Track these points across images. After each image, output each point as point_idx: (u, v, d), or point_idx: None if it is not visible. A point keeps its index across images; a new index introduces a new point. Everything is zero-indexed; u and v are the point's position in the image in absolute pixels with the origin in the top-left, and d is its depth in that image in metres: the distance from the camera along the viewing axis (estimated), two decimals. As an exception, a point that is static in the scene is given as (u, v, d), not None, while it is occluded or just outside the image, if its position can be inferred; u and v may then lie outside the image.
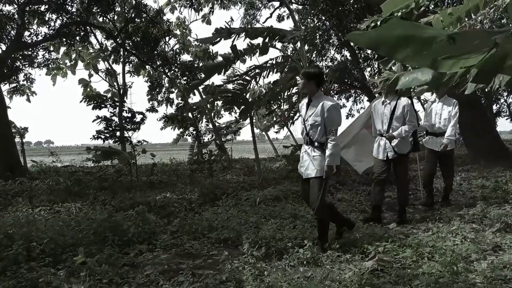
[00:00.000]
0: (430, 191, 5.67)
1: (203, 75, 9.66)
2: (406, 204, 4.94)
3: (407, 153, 4.86)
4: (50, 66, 14.65)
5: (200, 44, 16.66)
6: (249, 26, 16.43)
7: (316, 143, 3.70)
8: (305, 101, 3.87)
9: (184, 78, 15.48)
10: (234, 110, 9.44)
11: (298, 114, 4.11)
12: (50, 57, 13.78)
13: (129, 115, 8.84)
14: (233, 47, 7.57)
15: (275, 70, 8.64)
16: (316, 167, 3.64)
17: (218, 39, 7.30)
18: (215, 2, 16.84)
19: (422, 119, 5.81)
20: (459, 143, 12.54)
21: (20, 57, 12.61)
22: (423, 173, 5.98)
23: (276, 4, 18.48)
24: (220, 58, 8.76)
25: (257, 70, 8.52)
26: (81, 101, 8.88)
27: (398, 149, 4.71)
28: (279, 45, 10.10)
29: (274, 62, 8.58)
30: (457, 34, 1.42)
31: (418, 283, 2.57)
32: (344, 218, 4.10)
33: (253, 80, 8.74)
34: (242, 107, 8.78)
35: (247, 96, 9.49)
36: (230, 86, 9.10)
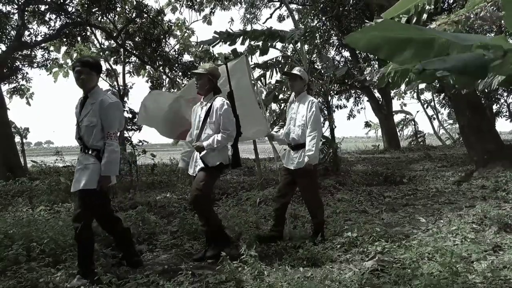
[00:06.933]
0: (280, 220, 4.02)
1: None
2: (215, 233, 3.61)
3: (218, 166, 3.63)
4: (49, 66, 14.64)
5: (201, 45, 16.71)
6: (250, 27, 16.45)
7: (90, 150, 3.08)
8: (80, 99, 3.20)
9: (185, 78, 15.49)
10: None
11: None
12: (49, 57, 13.80)
13: (130, 115, 8.84)
14: (233, 50, 7.62)
15: (275, 70, 8.66)
16: (87, 177, 3.01)
17: (217, 41, 7.33)
18: (217, 4, 16.85)
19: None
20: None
21: (20, 57, 12.62)
22: (274, 194, 4.43)
23: (277, 4, 18.54)
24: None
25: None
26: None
27: (205, 159, 3.57)
28: (279, 45, 10.12)
29: (274, 61, 8.61)
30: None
31: (418, 283, 2.57)
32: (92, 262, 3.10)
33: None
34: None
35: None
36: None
